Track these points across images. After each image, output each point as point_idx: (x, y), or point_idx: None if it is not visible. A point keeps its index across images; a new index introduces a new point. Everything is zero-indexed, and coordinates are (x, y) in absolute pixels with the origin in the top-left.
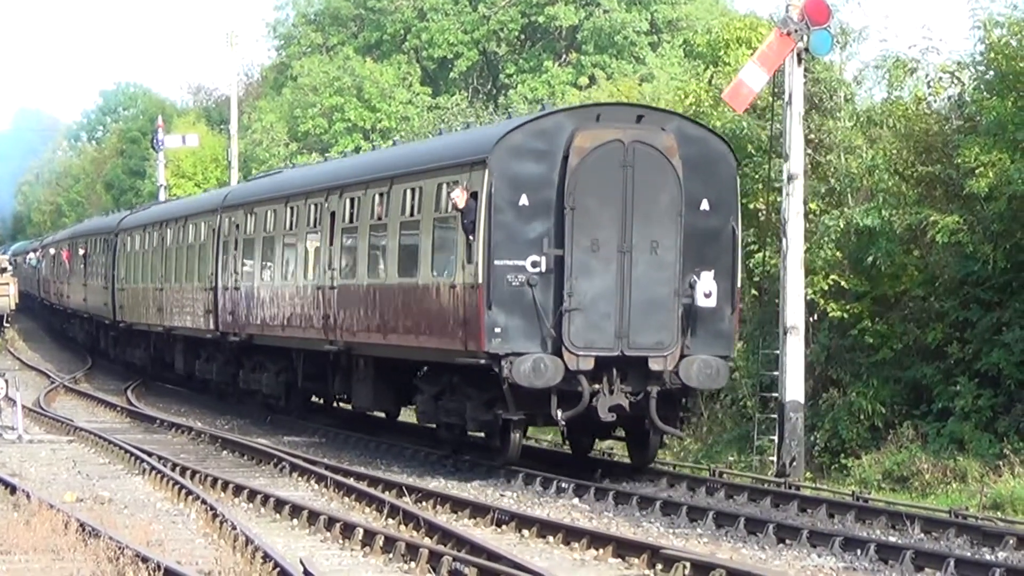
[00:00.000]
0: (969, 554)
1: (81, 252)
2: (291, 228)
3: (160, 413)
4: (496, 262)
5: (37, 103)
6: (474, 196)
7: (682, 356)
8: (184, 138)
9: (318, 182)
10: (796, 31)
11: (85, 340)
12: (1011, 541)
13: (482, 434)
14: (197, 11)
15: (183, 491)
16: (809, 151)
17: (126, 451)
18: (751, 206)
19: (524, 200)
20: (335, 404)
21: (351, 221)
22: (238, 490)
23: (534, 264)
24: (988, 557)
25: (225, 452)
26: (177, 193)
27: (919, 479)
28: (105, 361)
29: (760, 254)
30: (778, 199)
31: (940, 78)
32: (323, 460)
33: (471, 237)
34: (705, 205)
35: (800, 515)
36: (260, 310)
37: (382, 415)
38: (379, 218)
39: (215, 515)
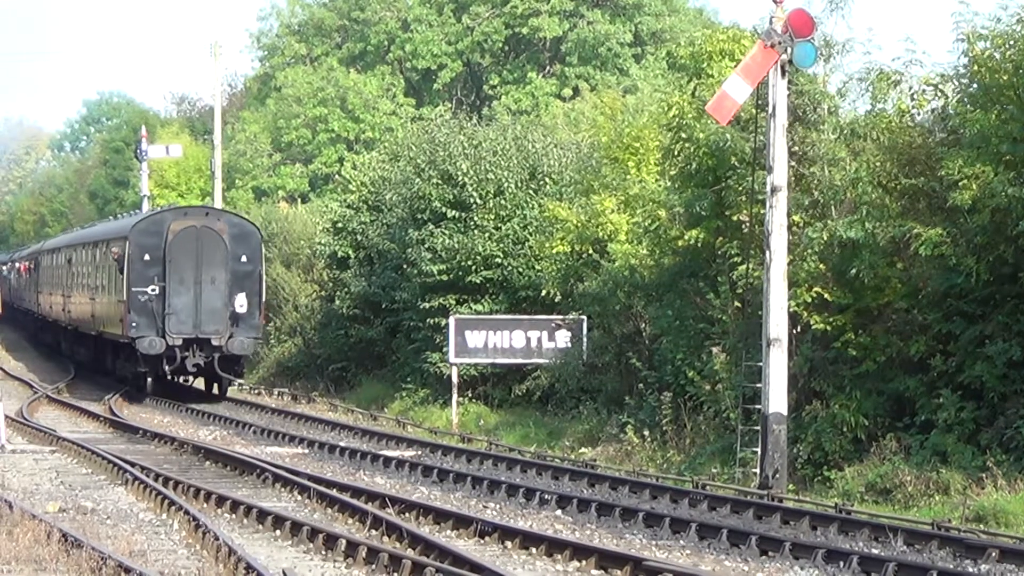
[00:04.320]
0: (952, 566)
1: (32, 266)
2: (82, 262)
3: (143, 424)
4: (133, 288)
5: (20, 112)
6: (124, 252)
7: (230, 337)
8: (168, 148)
9: (89, 237)
10: (780, 43)
11: (33, 329)
12: (994, 553)
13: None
14: (181, 21)
15: (166, 501)
16: (793, 163)
17: (109, 461)
18: (735, 218)
19: (147, 257)
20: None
21: (94, 260)
22: (221, 501)
23: (152, 290)
24: (971, 569)
25: (208, 463)
26: (160, 203)
27: (902, 491)
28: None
29: (743, 266)
30: (761, 211)
31: (924, 91)
32: (306, 471)
33: (122, 275)
34: (244, 259)
35: (783, 527)
36: (71, 307)
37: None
38: (105, 260)
39: (198, 526)
